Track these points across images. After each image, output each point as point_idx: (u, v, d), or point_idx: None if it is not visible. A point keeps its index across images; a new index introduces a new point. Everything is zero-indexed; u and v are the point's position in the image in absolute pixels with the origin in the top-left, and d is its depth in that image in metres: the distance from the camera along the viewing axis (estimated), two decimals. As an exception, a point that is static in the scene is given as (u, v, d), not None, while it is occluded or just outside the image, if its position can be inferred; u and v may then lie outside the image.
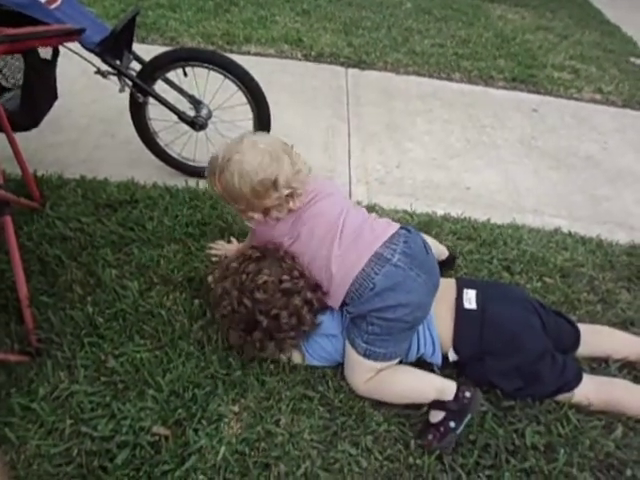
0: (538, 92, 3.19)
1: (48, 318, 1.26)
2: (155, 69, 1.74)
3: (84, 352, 1.20)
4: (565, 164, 2.50)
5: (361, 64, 3.19)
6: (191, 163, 1.97)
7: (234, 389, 1.18)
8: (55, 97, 1.90)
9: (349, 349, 1.20)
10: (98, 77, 1.73)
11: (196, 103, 1.85)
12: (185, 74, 1.77)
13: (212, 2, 3.71)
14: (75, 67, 1.65)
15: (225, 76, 1.74)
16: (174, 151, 1.96)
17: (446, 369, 1.28)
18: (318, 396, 1.18)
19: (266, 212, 1.19)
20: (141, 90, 1.73)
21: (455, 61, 3.34)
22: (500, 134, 2.68)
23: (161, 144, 1.93)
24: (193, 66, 1.74)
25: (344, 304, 1.22)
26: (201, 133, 1.89)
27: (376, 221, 1.24)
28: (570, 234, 1.92)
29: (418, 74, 3.20)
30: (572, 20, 4.51)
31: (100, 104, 2.33)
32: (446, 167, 2.35)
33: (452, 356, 1.27)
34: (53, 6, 1.58)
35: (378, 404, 1.19)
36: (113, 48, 1.64)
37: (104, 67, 1.69)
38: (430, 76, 3.20)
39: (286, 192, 1.15)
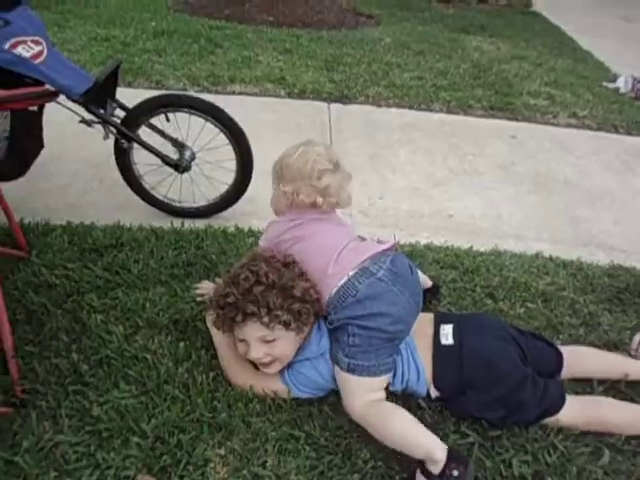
0: (516, 119, 3.30)
1: (33, 368, 1.26)
2: (138, 116, 1.79)
3: (69, 401, 1.20)
4: (545, 188, 2.56)
5: (343, 99, 3.29)
6: (177, 204, 2.01)
7: (220, 432, 1.17)
8: (41, 146, 1.94)
9: (336, 369, 1.22)
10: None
11: (179, 146, 1.91)
12: (167, 119, 1.83)
13: (197, 45, 3.84)
14: (63, 115, 1.70)
15: (206, 119, 1.80)
16: (159, 193, 2.00)
17: (431, 403, 1.29)
18: (304, 435, 1.18)
19: (297, 192, 1.30)
20: (125, 136, 1.78)
21: (434, 92, 3.45)
22: (481, 161, 2.75)
23: (147, 187, 1.97)
24: (175, 112, 1.80)
25: (324, 317, 1.27)
26: (186, 175, 1.93)
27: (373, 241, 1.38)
28: (551, 258, 1.96)
29: (399, 106, 3.30)
30: (545, 48, 4.69)
31: (89, 150, 2.38)
32: (429, 196, 2.41)
33: (434, 393, 1.28)
34: (38, 61, 1.64)
35: (365, 440, 1.19)
36: (97, 98, 1.69)
37: (89, 116, 1.74)
38: (410, 107, 3.30)
39: (323, 187, 1.29)
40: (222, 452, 1.14)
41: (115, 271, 1.62)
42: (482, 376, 1.24)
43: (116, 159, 1.87)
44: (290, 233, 1.32)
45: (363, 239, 1.41)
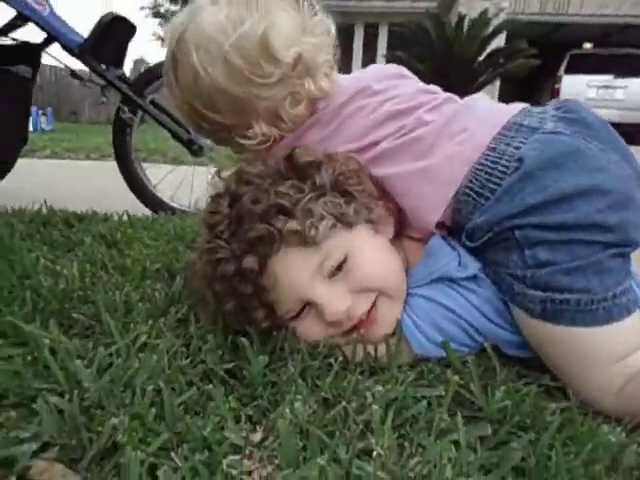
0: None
1: None
2: (150, 80, 1.43)
3: None
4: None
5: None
6: (186, 210, 1.53)
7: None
8: (25, 140, 1.57)
9: (524, 320, 0.57)
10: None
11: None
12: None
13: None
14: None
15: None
16: (164, 194, 1.54)
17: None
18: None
19: (274, 116, 0.67)
20: (130, 102, 1.40)
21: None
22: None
23: (146, 181, 1.52)
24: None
25: (450, 230, 0.64)
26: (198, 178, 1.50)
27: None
28: None
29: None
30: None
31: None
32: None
33: None
34: (43, 13, 1.39)
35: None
36: (95, 51, 1.37)
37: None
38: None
39: (295, 55, 0.65)
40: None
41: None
42: None
43: (113, 138, 1.46)
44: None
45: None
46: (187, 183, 1.52)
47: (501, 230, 0.56)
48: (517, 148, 0.58)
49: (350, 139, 0.66)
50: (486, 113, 0.65)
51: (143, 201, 1.51)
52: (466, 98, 0.70)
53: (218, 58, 0.64)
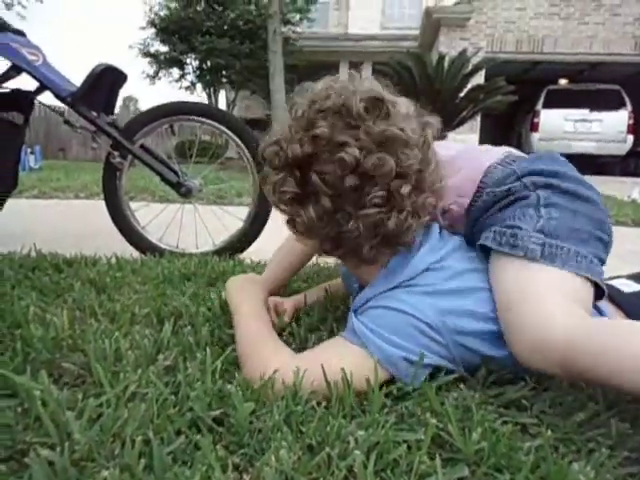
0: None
1: None
2: (136, 129, 1.48)
3: None
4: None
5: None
6: (175, 250, 1.55)
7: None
8: (15, 184, 1.59)
9: (508, 263, 0.68)
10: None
11: (185, 175, 1.56)
12: (173, 132, 1.53)
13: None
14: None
15: (220, 130, 1.50)
16: (153, 236, 1.56)
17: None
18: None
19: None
20: (120, 147, 1.44)
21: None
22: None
23: (136, 225, 1.54)
24: (183, 121, 1.51)
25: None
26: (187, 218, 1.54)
27: None
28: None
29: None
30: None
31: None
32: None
33: None
34: (37, 64, 1.44)
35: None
36: (86, 100, 1.42)
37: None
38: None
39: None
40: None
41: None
42: None
43: (103, 182, 1.50)
44: None
45: None
46: (175, 222, 1.56)
47: (524, 185, 0.73)
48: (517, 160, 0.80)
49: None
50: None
51: (132, 244, 1.53)
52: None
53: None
